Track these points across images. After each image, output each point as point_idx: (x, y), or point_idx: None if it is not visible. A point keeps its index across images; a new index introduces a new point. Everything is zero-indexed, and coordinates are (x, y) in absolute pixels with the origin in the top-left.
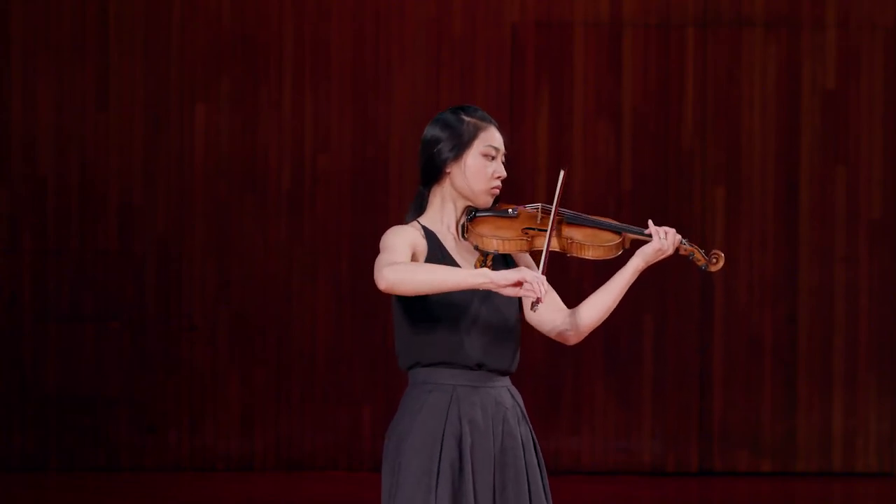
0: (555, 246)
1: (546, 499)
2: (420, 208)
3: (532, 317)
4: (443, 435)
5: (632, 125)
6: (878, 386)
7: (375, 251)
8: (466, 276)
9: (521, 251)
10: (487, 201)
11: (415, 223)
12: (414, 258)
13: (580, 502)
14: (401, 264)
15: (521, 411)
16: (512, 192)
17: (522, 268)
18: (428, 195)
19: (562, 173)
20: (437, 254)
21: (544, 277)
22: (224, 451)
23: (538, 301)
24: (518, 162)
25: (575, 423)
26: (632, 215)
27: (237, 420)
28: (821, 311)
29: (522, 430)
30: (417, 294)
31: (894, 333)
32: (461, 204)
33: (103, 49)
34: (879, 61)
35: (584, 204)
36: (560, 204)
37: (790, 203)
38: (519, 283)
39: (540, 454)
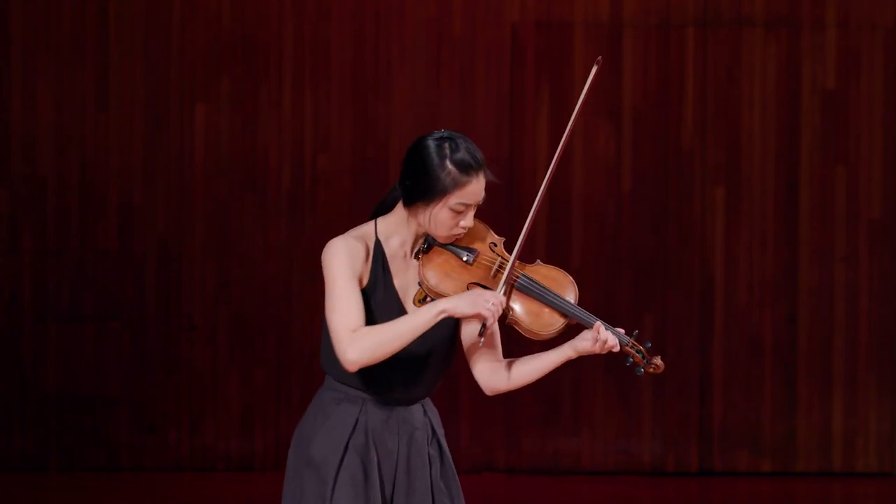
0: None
1: None
2: (388, 207)
3: (468, 359)
4: (346, 448)
5: (632, 125)
6: (878, 386)
7: None
8: (424, 320)
9: None
10: (447, 240)
11: (369, 228)
12: (359, 280)
13: (580, 502)
14: (361, 343)
15: (433, 428)
16: (511, 192)
17: (478, 297)
18: (398, 201)
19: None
20: (377, 280)
21: (503, 300)
22: (224, 451)
23: (484, 332)
24: (518, 162)
25: (575, 423)
26: (632, 215)
27: (237, 420)
28: (821, 311)
29: (431, 449)
30: None
31: (894, 333)
32: (422, 231)
33: (103, 49)
34: (879, 61)
35: (585, 204)
36: (520, 254)
37: (790, 203)
38: (478, 317)
39: (451, 469)
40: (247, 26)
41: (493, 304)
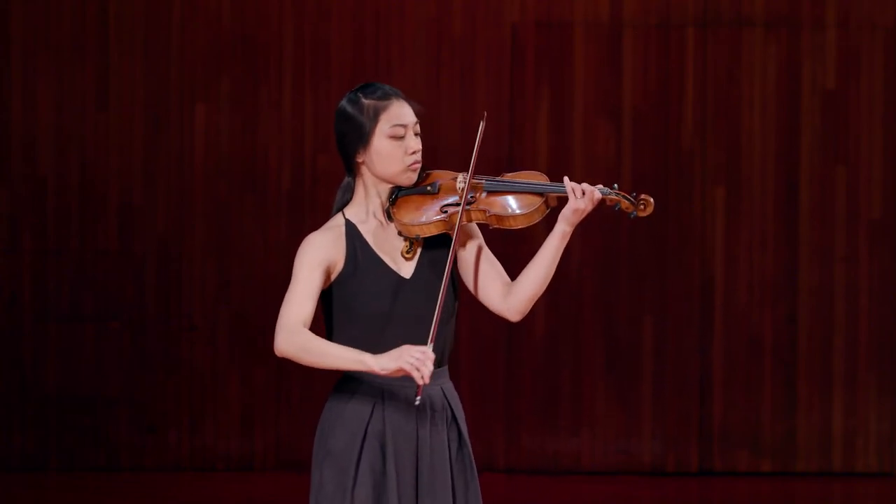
0: (477, 219)
1: (472, 502)
2: (348, 198)
3: (479, 293)
4: (364, 436)
5: (632, 125)
6: (878, 386)
7: None
8: (344, 361)
9: (442, 232)
10: (411, 178)
11: (338, 217)
12: (330, 271)
13: (580, 502)
14: (294, 337)
15: (452, 412)
16: None
17: (403, 351)
18: (353, 184)
19: (476, 148)
20: (356, 255)
21: (431, 356)
22: (224, 451)
23: (418, 391)
24: (518, 162)
25: (575, 423)
26: None
27: (237, 420)
28: (821, 311)
29: (450, 433)
30: None
31: (894, 333)
32: (384, 188)
33: (103, 49)
34: (879, 61)
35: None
36: (473, 173)
37: (790, 203)
38: (400, 371)
39: (469, 456)
40: (247, 26)
41: (417, 357)
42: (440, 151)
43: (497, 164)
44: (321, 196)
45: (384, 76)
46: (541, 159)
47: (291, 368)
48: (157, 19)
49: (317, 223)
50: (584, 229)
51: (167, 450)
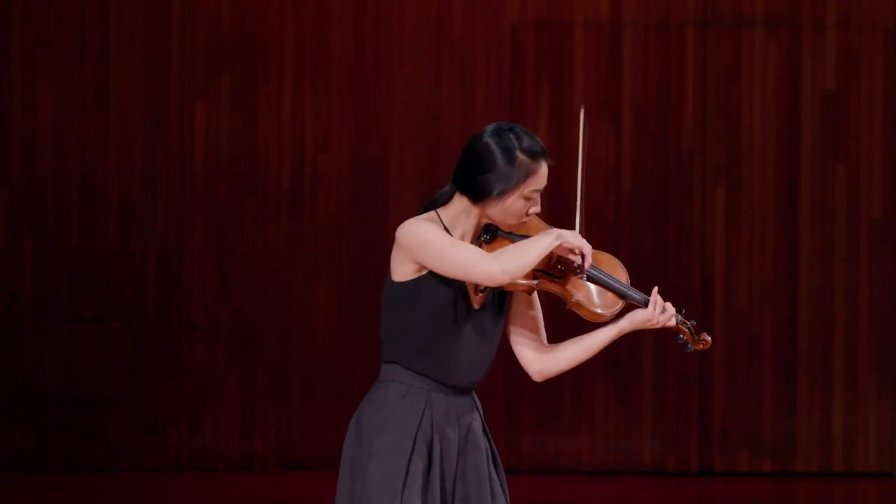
0: (556, 291)
1: None
2: (443, 202)
3: (515, 347)
4: (415, 439)
5: (632, 125)
6: (878, 386)
7: (376, 251)
8: (546, 242)
9: (526, 292)
10: (514, 229)
11: (433, 216)
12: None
13: (580, 502)
14: (502, 257)
15: (483, 421)
16: None
17: (578, 236)
18: (455, 194)
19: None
20: None
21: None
22: (224, 451)
23: (582, 269)
24: None
25: (575, 423)
26: (632, 215)
27: (237, 420)
28: (821, 311)
29: (484, 441)
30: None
31: (894, 333)
32: (484, 221)
33: (103, 49)
34: (879, 61)
35: (585, 204)
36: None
37: (790, 203)
38: (577, 248)
39: (498, 463)
40: (247, 26)
41: (587, 244)
42: (441, 152)
43: None
44: (321, 196)
45: (384, 76)
46: None
47: (292, 368)
48: (157, 19)
49: (317, 223)
50: (585, 229)
51: (167, 450)
